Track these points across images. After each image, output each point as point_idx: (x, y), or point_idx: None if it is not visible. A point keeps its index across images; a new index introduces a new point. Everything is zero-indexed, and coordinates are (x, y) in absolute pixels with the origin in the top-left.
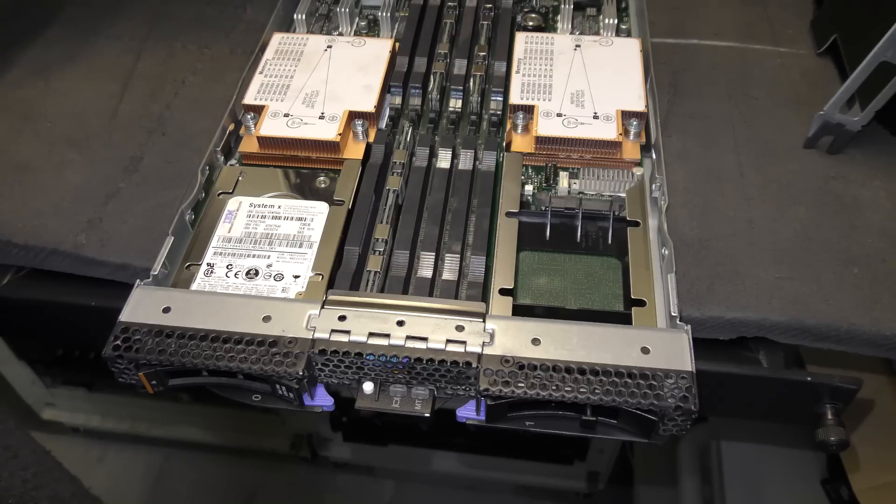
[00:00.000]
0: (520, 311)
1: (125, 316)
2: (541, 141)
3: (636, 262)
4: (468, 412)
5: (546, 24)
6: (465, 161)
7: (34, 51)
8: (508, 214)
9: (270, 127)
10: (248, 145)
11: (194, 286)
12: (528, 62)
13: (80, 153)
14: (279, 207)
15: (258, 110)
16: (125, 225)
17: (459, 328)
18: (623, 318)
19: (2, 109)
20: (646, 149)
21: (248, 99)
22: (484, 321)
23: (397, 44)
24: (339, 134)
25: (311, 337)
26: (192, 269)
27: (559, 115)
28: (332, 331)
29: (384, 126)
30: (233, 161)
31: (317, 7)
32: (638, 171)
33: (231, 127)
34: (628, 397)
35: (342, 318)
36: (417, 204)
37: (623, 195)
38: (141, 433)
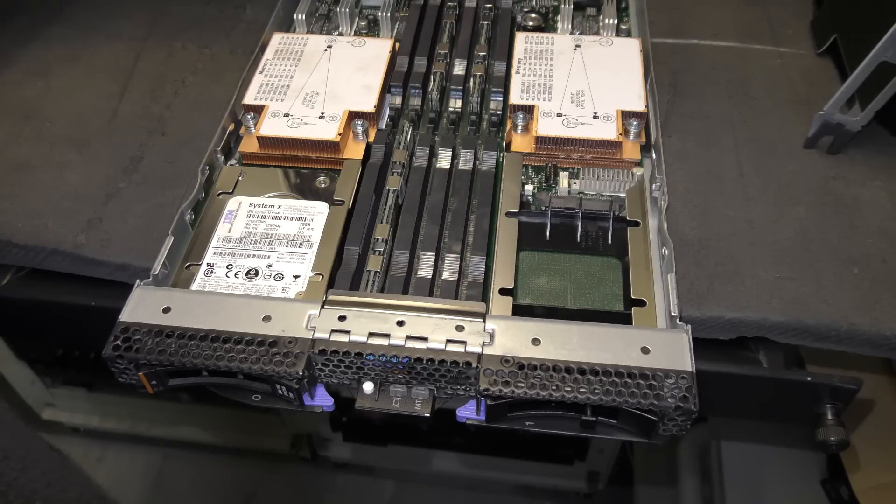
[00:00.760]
0: (520, 311)
1: (125, 316)
2: (541, 141)
3: (636, 262)
4: (468, 412)
5: (546, 24)
6: (465, 161)
7: (34, 51)
8: (508, 214)
9: (270, 127)
10: (248, 145)
11: (194, 286)
12: (528, 62)
13: (80, 153)
14: (279, 207)
15: (258, 110)
16: (125, 225)
17: (459, 328)
18: (623, 318)
19: (2, 109)
20: (646, 149)
21: (248, 99)
22: (484, 321)
23: (397, 44)
24: (339, 134)
25: (311, 337)
26: (192, 269)
27: (559, 115)
28: (332, 331)
29: (384, 126)
30: (233, 161)
31: (317, 7)
32: (638, 171)
33: (231, 127)
34: (628, 397)
35: (342, 318)
36: (417, 204)
37: (623, 195)
38: (141, 433)
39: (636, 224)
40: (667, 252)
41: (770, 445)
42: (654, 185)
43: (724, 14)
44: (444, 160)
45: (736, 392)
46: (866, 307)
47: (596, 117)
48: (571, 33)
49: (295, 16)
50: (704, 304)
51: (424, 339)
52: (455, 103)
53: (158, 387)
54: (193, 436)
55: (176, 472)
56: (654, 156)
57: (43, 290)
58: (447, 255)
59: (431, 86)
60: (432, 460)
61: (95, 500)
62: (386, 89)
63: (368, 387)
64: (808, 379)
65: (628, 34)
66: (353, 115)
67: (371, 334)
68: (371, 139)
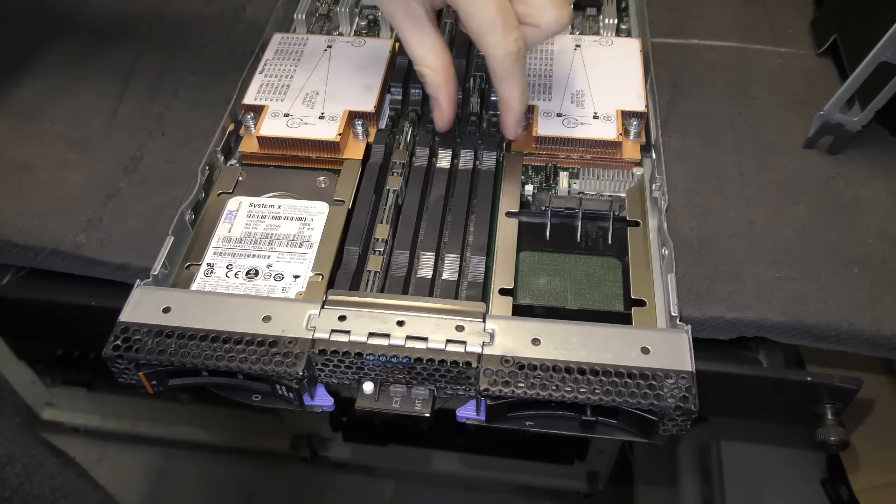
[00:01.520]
0: (520, 311)
1: (125, 316)
2: (541, 141)
3: (636, 262)
4: (468, 412)
5: None
6: (465, 161)
7: (34, 51)
8: (508, 214)
9: (270, 127)
10: (248, 145)
11: (194, 286)
12: (528, 62)
13: (80, 153)
14: (279, 207)
15: (258, 110)
16: (125, 225)
17: (459, 328)
18: (623, 318)
19: (2, 109)
20: (646, 149)
21: (248, 99)
22: (484, 321)
23: (397, 44)
24: (339, 134)
25: (311, 337)
26: (192, 269)
27: (559, 114)
28: (332, 331)
29: (384, 126)
30: (233, 161)
31: (317, 7)
32: (638, 171)
33: (231, 127)
34: (628, 397)
35: (342, 318)
36: (417, 204)
37: (623, 195)
38: (141, 433)
39: (636, 224)
40: (667, 252)
41: (770, 445)
42: (654, 185)
43: (724, 14)
44: (444, 160)
45: (736, 392)
46: (866, 307)
47: (596, 117)
48: (571, 33)
49: (295, 16)
50: (704, 304)
51: (424, 340)
52: None
53: (158, 387)
54: (193, 436)
55: (176, 472)
56: (654, 156)
57: (43, 290)
58: (447, 255)
59: None
60: (432, 460)
61: None
62: (386, 89)
63: (368, 387)
64: (808, 379)
65: (628, 34)
66: (353, 115)
67: (371, 334)
68: (371, 139)
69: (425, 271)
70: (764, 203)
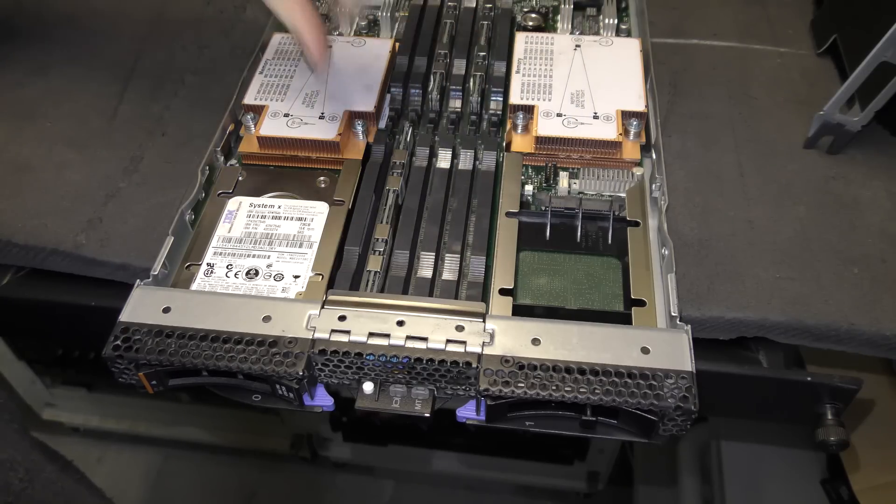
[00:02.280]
0: (520, 311)
1: (125, 316)
2: (541, 141)
3: (636, 262)
4: (468, 412)
5: (546, 24)
6: (465, 161)
7: (34, 51)
8: (508, 214)
9: (270, 127)
10: (248, 145)
11: (194, 286)
12: (528, 62)
13: (80, 153)
14: (279, 207)
15: (258, 110)
16: (125, 225)
17: (459, 328)
18: (623, 318)
19: (2, 109)
20: (646, 149)
21: (248, 99)
22: (484, 321)
23: (397, 44)
24: (339, 134)
25: (311, 337)
26: (192, 269)
27: (559, 115)
28: (332, 331)
29: (384, 126)
30: (233, 161)
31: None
32: (638, 171)
33: (231, 127)
34: (628, 397)
35: (342, 318)
36: (417, 204)
37: (623, 195)
38: (141, 433)
39: (636, 224)
40: (667, 252)
41: (770, 445)
42: (654, 185)
43: (724, 14)
44: (444, 160)
45: (736, 392)
46: (866, 307)
47: (596, 117)
48: (571, 33)
49: None
50: (704, 304)
51: (424, 339)
52: (455, 103)
53: (158, 387)
54: (193, 436)
55: (176, 472)
56: (654, 156)
57: (43, 290)
58: (447, 255)
59: (431, 86)
60: (432, 460)
61: None
62: (386, 89)
63: (368, 387)
64: (808, 379)
65: (628, 34)
66: (353, 115)
67: (371, 334)
68: (371, 139)
69: (425, 271)
70: (764, 203)
